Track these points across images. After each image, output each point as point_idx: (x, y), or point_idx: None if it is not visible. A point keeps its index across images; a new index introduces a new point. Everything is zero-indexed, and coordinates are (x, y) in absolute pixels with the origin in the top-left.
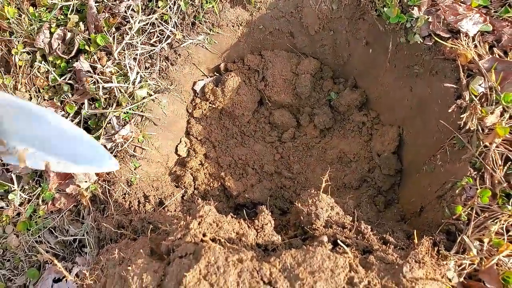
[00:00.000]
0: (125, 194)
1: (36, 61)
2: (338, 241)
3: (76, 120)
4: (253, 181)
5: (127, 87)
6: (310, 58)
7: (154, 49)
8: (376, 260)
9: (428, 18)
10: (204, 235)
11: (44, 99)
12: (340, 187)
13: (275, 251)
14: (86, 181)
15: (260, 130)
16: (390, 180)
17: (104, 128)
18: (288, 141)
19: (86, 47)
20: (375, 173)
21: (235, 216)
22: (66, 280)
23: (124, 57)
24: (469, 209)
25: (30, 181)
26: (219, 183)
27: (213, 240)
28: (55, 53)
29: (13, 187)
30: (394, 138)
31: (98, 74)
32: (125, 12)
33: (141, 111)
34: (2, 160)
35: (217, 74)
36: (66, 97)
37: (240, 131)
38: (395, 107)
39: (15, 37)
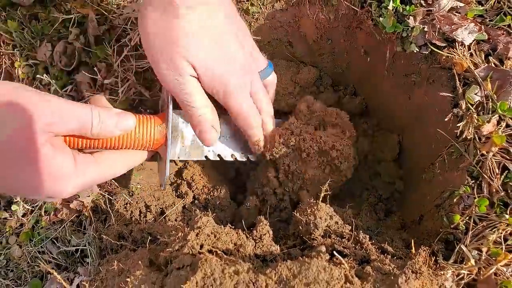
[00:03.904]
0: (126, 204)
1: (38, 74)
2: (334, 252)
3: None
4: None
5: None
6: (309, 67)
7: None
8: (372, 271)
9: (423, 28)
10: (201, 246)
11: None
12: (341, 195)
13: (274, 261)
14: (88, 196)
15: None
16: (390, 187)
17: None
18: None
19: (87, 60)
20: (375, 180)
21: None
22: None
23: (125, 69)
24: (467, 218)
25: None
26: (220, 191)
27: (210, 251)
28: (56, 66)
29: (16, 198)
30: (394, 146)
31: (98, 86)
32: (126, 24)
33: None
34: None
35: None
36: None
37: None
38: (394, 115)
39: (18, 50)
